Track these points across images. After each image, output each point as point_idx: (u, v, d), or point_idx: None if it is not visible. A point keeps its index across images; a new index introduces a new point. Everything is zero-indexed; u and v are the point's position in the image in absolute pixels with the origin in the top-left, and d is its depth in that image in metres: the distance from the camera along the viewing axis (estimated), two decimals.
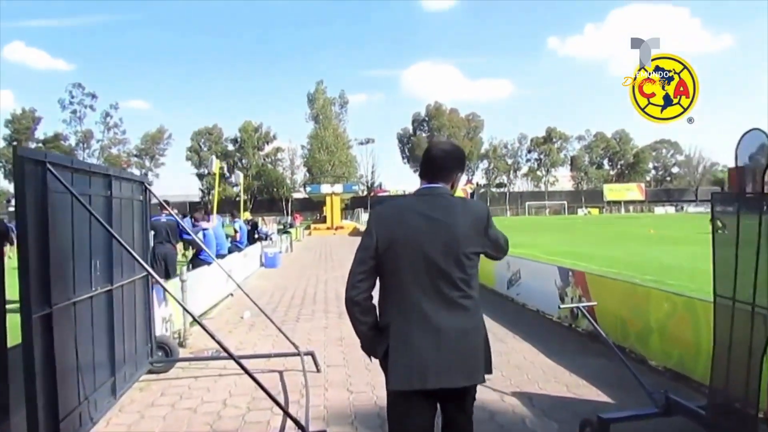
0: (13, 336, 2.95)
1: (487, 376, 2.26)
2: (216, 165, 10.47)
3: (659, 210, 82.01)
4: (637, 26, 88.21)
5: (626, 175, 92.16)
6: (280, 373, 5.25)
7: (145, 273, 4.98)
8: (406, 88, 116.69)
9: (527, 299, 8.33)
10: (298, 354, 5.23)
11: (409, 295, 2.14)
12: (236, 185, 17.13)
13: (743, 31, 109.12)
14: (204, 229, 11.97)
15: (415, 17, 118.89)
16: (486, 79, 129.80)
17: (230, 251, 12.66)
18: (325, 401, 4.51)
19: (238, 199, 79.22)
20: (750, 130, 3.31)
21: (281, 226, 34.53)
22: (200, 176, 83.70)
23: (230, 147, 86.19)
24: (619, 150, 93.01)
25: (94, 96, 79.95)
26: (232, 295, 10.31)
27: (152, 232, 9.55)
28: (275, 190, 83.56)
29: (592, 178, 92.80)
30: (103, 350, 3.93)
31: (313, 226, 42.93)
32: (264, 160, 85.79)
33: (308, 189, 54.78)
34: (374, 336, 2.22)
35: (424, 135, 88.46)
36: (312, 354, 5.36)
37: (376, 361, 2.30)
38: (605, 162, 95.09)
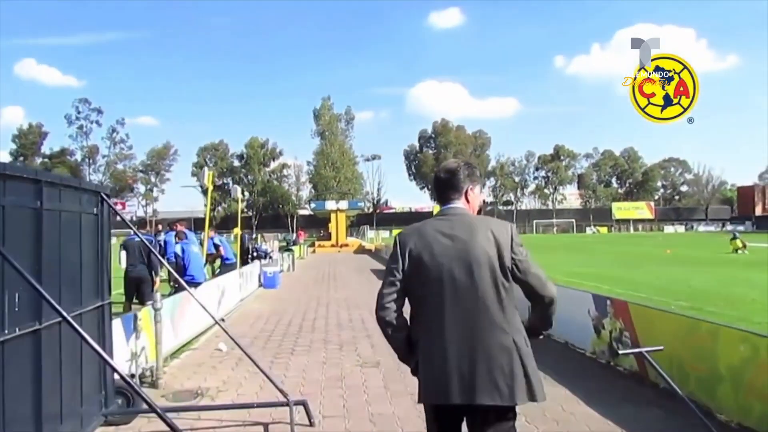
0: None
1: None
2: (208, 177, 9.59)
3: (669, 229, 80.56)
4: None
5: (635, 193, 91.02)
6: (265, 426, 4.29)
7: (97, 304, 4.07)
8: (412, 106, 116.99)
9: (553, 329, 7.34)
10: (287, 404, 4.27)
11: (434, 314, 2.18)
12: (235, 200, 16.29)
13: (750, 51, 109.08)
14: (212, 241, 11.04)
15: (421, 35, 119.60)
16: (492, 98, 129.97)
17: (222, 267, 11.75)
18: None
19: (243, 215, 78.82)
20: None
21: (284, 243, 33.50)
22: (206, 192, 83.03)
23: (236, 163, 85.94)
24: (627, 168, 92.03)
25: (100, 111, 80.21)
26: (223, 320, 9.36)
27: (124, 253, 8.60)
28: (280, 206, 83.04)
29: (600, 197, 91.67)
30: (23, 408, 3.00)
31: (317, 243, 41.96)
32: (270, 176, 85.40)
33: (312, 205, 53.83)
34: (408, 348, 2.29)
35: (430, 152, 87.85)
36: (304, 403, 4.39)
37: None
38: (613, 180, 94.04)
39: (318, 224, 62.94)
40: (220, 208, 79.19)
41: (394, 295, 2.24)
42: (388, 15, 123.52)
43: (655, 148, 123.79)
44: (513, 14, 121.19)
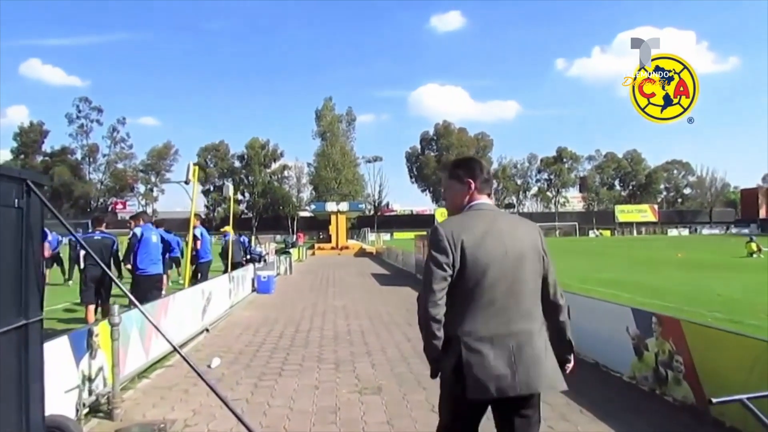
0: None
1: None
2: (193, 171, 8.69)
3: (672, 232, 79.56)
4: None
5: (638, 196, 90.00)
6: None
7: (18, 324, 3.14)
8: (414, 109, 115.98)
9: (582, 348, 6.39)
10: None
11: (489, 307, 2.16)
12: (229, 199, 15.27)
13: (750, 53, 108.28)
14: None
15: (422, 38, 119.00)
16: (493, 101, 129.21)
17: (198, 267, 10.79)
18: None
19: (243, 216, 77.79)
20: None
21: (282, 245, 32.51)
22: (206, 192, 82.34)
23: (237, 164, 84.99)
24: (630, 170, 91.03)
25: (100, 110, 79.42)
26: (207, 330, 8.45)
27: (82, 253, 7.80)
28: (281, 208, 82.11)
29: (603, 199, 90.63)
30: None
31: (317, 245, 40.98)
32: (270, 177, 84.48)
33: (313, 206, 52.72)
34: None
35: (432, 154, 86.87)
36: None
37: None
38: (616, 183, 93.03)
39: (319, 226, 61.91)
40: (220, 208, 78.23)
41: (444, 291, 2.16)
42: (389, 18, 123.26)
43: (658, 150, 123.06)
44: (513, 17, 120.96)
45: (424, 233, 34.70)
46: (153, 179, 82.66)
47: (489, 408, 2.24)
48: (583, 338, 6.33)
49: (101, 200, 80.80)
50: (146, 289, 7.50)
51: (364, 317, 9.74)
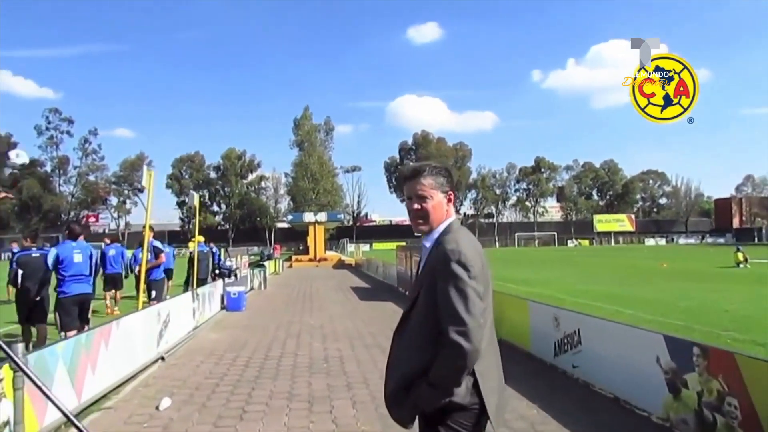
0: None
1: None
2: (147, 177, 7.68)
3: (650, 241, 79.96)
4: (617, 61, 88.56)
5: (615, 206, 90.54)
6: None
7: None
8: (392, 120, 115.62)
9: (595, 377, 5.53)
10: None
11: (490, 336, 2.00)
12: (191, 207, 14.31)
13: (720, 65, 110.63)
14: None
15: (400, 50, 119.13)
16: (471, 111, 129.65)
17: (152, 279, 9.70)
18: None
19: (220, 228, 75.95)
20: None
21: (257, 257, 31.24)
22: (180, 204, 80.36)
23: (213, 175, 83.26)
24: (608, 180, 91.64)
25: (71, 121, 76.98)
26: (162, 359, 7.38)
27: (21, 272, 7.19)
28: (258, 219, 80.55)
29: (581, 209, 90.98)
30: None
31: (294, 257, 39.77)
32: (247, 188, 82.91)
33: (290, 217, 51.25)
34: None
35: (411, 164, 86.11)
36: None
37: None
38: (594, 192, 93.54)
39: (297, 238, 60.50)
40: (195, 220, 76.22)
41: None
42: (367, 29, 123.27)
43: (634, 160, 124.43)
44: (490, 29, 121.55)
45: (405, 244, 33.78)
46: (126, 191, 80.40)
47: None
48: (599, 367, 5.48)
49: (72, 213, 78.19)
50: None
51: (344, 339, 8.76)
